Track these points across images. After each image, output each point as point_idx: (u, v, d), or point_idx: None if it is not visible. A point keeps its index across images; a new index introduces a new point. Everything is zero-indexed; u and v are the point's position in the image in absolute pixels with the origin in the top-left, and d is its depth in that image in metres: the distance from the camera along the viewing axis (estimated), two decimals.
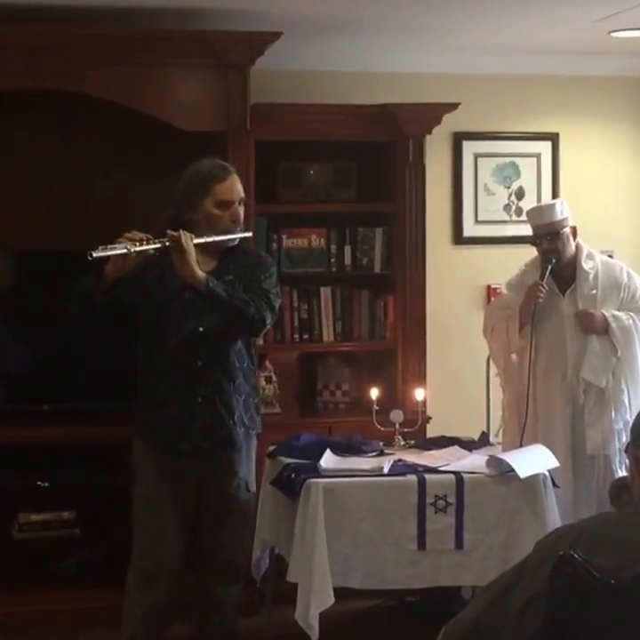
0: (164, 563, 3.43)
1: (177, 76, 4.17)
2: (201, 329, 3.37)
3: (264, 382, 4.47)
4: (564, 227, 4.07)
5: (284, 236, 4.52)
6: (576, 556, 1.78)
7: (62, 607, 4.09)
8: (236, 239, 3.44)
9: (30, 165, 4.48)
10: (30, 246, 4.37)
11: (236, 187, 3.43)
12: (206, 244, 3.35)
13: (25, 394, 4.37)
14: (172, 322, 3.39)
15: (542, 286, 4.01)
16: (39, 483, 4.24)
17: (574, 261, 4.10)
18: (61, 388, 4.37)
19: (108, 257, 3.21)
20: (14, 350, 4.37)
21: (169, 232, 3.26)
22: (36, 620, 4.03)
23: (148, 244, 3.23)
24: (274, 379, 4.52)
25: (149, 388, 3.46)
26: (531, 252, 4.19)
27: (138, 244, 3.21)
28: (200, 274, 3.29)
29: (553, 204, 4.16)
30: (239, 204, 3.44)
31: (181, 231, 3.26)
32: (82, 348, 4.25)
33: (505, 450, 3.96)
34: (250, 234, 3.51)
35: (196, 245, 3.29)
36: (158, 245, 3.25)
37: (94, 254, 3.16)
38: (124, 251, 3.20)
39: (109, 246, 3.20)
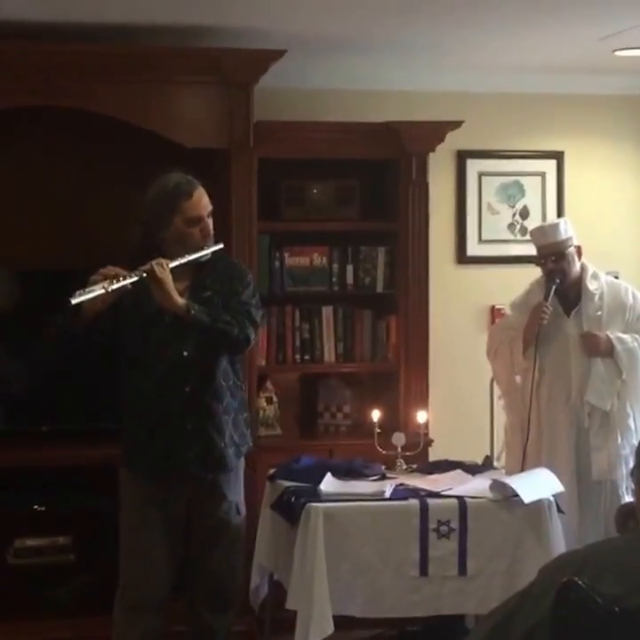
0: (153, 593, 3.36)
1: (180, 92, 4.16)
2: (185, 353, 3.31)
3: (265, 403, 4.43)
4: (569, 246, 4.03)
5: (286, 255, 4.49)
6: (580, 582, 1.74)
7: (59, 636, 4.00)
8: (208, 254, 3.39)
9: (31, 182, 4.45)
10: (29, 265, 4.33)
11: (203, 201, 3.37)
12: (181, 264, 3.30)
13: (23, 415, 4.32)
14: (156, 346, 3.33)
15: (547, 307, 3.96)
16: (35, 507, 4.19)
17: (579, 281, 4.05)
18: (60, 410, 4.32)
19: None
20: (13, 371, 4.32)
21: (141, 269, 3.20)
22: None
23: (124, 279, 3.17)
24: (274, 400, 4.48)
25: (136, 417, 3.39)
26: (535, 272, 4.15)
27: (115, 281, 3.15)
28: (180, 301, 3.24)
29: (556, 224, 4.12)
30: (208, 216, 3.38)
31: (154, 263, 3.20)
32: (82, 368, 4.19)
33: (507, 473, 3.90)
34: (221, 245, 3.45)
35: (171, 268, 3.24)
36: (136, 279, 3.19)
37: (73, 301, 3.11)
38: (102, 291, 3.13)
39: (87, 289, 3.14)
